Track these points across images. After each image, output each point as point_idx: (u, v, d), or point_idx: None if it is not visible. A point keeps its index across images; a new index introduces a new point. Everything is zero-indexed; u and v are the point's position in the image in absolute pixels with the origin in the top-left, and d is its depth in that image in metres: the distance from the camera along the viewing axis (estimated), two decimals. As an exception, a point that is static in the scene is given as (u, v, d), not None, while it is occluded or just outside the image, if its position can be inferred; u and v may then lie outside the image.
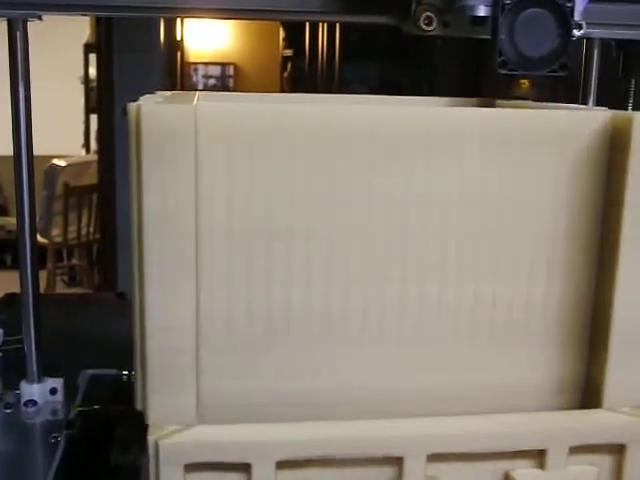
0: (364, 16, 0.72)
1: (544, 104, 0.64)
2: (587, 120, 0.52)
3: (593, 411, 0.53)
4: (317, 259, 0.50)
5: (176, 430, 0.48)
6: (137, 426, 0.50)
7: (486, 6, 0.61)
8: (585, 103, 0.83)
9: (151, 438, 0.47)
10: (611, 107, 0.58)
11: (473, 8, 0.62)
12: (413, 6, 0.65)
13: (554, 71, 0.61)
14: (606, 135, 0.52)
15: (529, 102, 0.66)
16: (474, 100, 0.70)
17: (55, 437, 0.71)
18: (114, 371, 0.82)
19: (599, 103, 0.82)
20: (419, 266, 0.51)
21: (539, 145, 0.51)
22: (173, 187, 0.46)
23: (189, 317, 0.48)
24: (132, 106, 0.46)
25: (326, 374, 0.52)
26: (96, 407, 0.76)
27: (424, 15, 0.65)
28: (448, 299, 0.52)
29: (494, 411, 0.53)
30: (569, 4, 0.60)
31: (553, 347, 0.54)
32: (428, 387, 0.53)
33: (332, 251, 0.50)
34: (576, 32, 0.64)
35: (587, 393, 0.55)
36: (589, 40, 0.82)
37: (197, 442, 0.47)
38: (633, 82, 0.85)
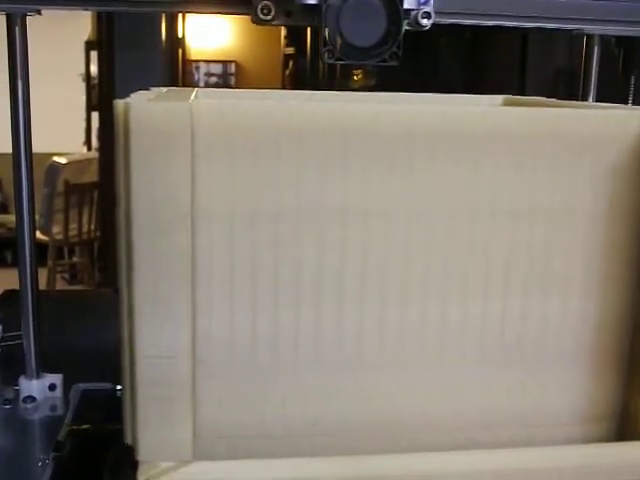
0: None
1: (575, 103, 0.60)
2: (625, 121, 0.47)
3: (633, 444, 0.49)
4: (328, 277, 0.45)
5: (170, 468, 0.44)
6: (131, 448, 0.46)
7: None
8: (585, 100, 0.83)
9: (142, 478, 0.43)
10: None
11: None
12: None
13: (384, 60, 0.60)
14: None
15: (554, 101, 0.62)
16: (495, 98, 0.66)
17: (43, 460, 0.67)
18: (108, 385, 0.78)
19: (599, 100, 0.82)
20: (440, 283, 0.47)
21: (572, 149, 0.47)
22: (166, 196, 0.41)
23: (184, 343, 0.44)
24: (119, 103, 0.41)
25: (338, 403, 0.47)
26: (87, 426, 0.72)
27: (261, 4, 0.63)
28: (472, 319, 0.48)
29: (521, 441, 0.49)
30: None
31: (587, 370, 0.50)
32: (449, 415, 0.49)
33: (345, 268, 0.45)
34: (425, 21, 0.62)
35: (624, 422, 0.51)
36: (589, 37, 0.81)
37: None
38: (633, 79, 0.84)
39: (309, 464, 0.46)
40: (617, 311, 0.49)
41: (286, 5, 0.64)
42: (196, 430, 0.46)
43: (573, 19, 0.77)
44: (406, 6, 0.60)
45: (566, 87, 2.57)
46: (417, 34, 0.67)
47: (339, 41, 0.59)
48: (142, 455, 0.45)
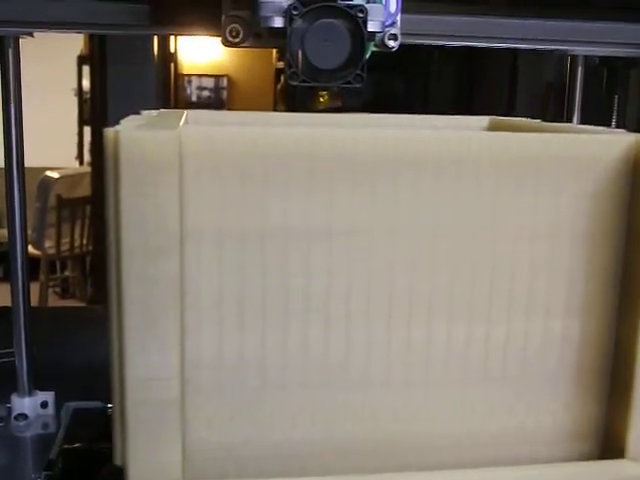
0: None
1: (560, 126, 0.61)
2: (608, 145, 0.48)
3: (615, 462, 0.50)
4: (315, 300, 0.46)
5: None
6: (120, 468, 0.46)
7: (282, 17, 0.60)
8: (570, 120, 0.84)
9: None
10: (595, 123, 0.59)
11: (268, 19, 0.60)
12: (222, 18, 0.65)
13: (349, 83, 0.60)
14: (629, 162, 0.48)
15: (538, 123, 0.63)
16: (481, 119, 0.67)
17: (35, 479, 0.68)
18: (99, 404, 0.79)
19: (583, 119, 0.83)
20: (426, 305, 0.47)
21: (556, 172, 0.47)
22: (155, 220, 0.42)
23: (174, 365, 0.44)
24: (109, 132, 0.42)
25: (325, 423, 0.48)
26: (78, 445, 0.72)
27: (230, 27, 0.65)
28: (457, 339, 0.48)
29: (505, 460, 0.50)
30: (361, 15, 0.59)
31: (570, 390, 0.50)
32: (436, 435, 0.49)
33: (331, 289, 0.46)
34: (392, 43, 0.63)
35: (607, 441, 0.51)
36: (573, 57, 0.83)
37: None
38: (616, 98, 0.86)
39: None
40: (599, 331, 0.50)
41: (254, 28, 0.65)
42: (186, 451, 0.46)
43: (557, 40, 0.79)
44: (371, 29, 0.60)
45: (557, 102, 2.60)
46: (411, 49, 0.69)
47: (303, 63, 0.59)
48: (132, 476, 0.45)
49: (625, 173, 0.48)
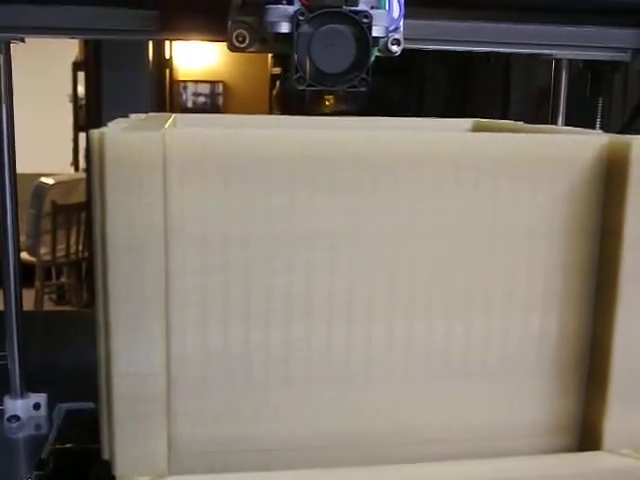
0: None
1: (540, 127, 0.62)
2: (582, 145, 0.49)
3: (593, 453, 0.51)
4: (298, 298, 0.47)
5: None
6: (109, 463, 0.47)
7: (289, 23, 0.61)
8: (554, 122, 0.85)
9: None
10: (580, 126, 0.60)
11: (274, 25, 0.62)
12: (229, 24, 0.67)
13: (354, 86, 0.62)
14: (603, 161, 0.49)
15: (520, 125, 0.65)
16: (465, 122, 0.69)
17: (26, 478, 0.68)
18: (91, 405, 0.78)
19: (568, 122, 0.84)
20: (406, 301, 0.48)
21: (532, 172, 0.49)
22: (140, 220, 0.43)
23: (159, 361, 0.45)
24: (94, 133, 0.43)
25: (307, 419, 0.49)
26: (70, 445, 0.73)
27: (236, 32, 0.66)
28: (437, 335, 0.49)
29: (486, 453, 0.51)
30: (366, 20, 0.61)
31: (548, 384, 0.51)
32: (417, 429, 0.50)
33: (313, 288, 0.47)
34: (395, 48, 0.66)
35: (585, 433, 0.52)
36: (558, 61, 0.84)
37: None
38: (600, 101, 0.87)
39: (282, 478, 0.48)
40: (576, 327, 0.51)
41: (260, 33, 0.66)
42: (171, 445, 0.47)
43: (542, 45, 0.80)
44: (375, 34, 0.62)
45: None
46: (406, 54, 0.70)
47: (310, 68, 0.61)
48: (119, 470, 0.46)
49: (599, 173, 0.49)
